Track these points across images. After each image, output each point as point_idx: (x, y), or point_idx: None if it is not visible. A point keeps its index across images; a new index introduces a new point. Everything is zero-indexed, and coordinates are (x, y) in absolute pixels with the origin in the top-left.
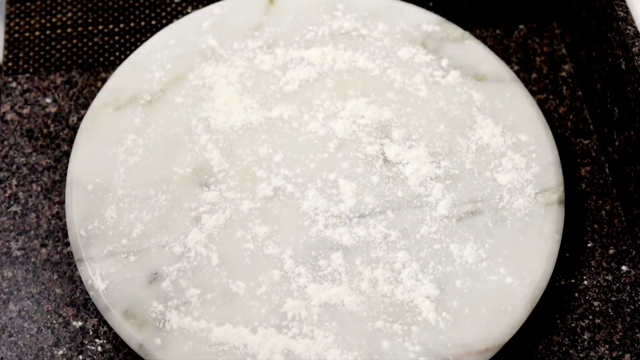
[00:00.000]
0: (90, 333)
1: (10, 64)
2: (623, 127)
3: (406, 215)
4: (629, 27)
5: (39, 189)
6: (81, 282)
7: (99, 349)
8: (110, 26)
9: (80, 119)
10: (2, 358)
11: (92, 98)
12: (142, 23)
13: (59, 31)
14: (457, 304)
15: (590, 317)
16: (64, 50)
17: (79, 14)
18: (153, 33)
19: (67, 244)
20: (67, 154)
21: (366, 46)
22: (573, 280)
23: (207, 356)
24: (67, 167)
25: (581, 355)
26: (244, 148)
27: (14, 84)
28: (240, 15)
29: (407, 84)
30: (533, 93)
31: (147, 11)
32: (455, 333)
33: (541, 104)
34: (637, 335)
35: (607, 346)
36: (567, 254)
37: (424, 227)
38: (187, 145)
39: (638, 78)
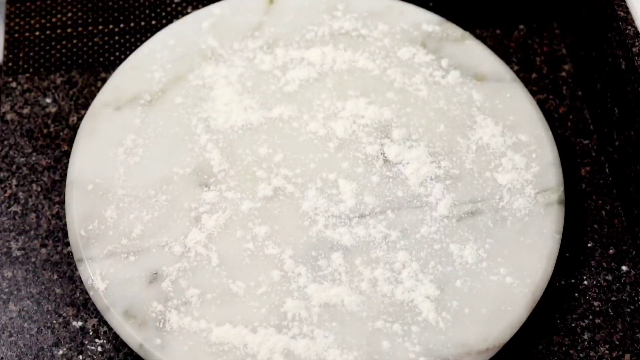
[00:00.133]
0: (90, 333)
1: (10, 64)
2: (623, 127)
3: (406, 215)
4: (629, 27)
5: (39, 189)
6: (81, 282)
7: (99, 349)
8: (110, 26)
9: (80, 119)
10: (2, 358)
11: (92, 98)
12: (142, 23)
13: (59, 31)
14: (457, 304)
15: (590, 317)
16: (64, 50)
17: (79, 14)
18: (153, 33)
19: (67, 244)
20: (67, 154)
21: (366, 46)
22: (573, 280)
23: (207, 356)
24: (67, 167)
25: (581, 355)
26: (244, 148)
27: (14, 84)
28: (240, 15)
29: (407, 84)
30: (533, 93)
31: (147, 11)
32: (455, 333)
33: (541, 104)
34: (637, 335)
35: (607, 346)
36: (567, 254)
37: (424, 227)
38: (187, 145)
39: (638, 78)
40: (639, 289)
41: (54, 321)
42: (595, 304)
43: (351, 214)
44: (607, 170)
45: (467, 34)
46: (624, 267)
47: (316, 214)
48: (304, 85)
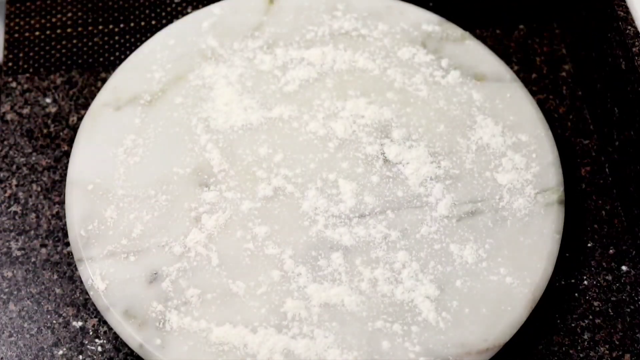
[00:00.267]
0: (90, 333)
1: (10, 64)
2: (623, 127)
3: (406, 215)
4: (629, 27)
5: (39, 189)
6: (81, 282)
7: (99, 349)
8: (110, 26)
9: (80, 119)
10: (2, 358)
11: (92, 98)
12: (142, 23)
13: (59, 31)
14: (457, 304)
15: (590, 317)
16: (64, 50)
17: (79, 14)
18: (153, 33)
19: (67, 244)
20: (67, 154)
21: (366, 46)
22: (573, 280)
23: (207, 356)
24: (67, 167)
25: (581, 355)
26: (244, 148)
27: (14, 84)
28: (240, 15)
29: (407, 84)
30: (533, 93)
31: (147, 11)
32: (455, 333)
33: (541, 104)
34: (637, 335)
35: (607, 346)
36: (567, 254)
37: (424, 227)
38: (187, 145)
39: (638, 78)
40: (639, 289)
41: (54, 321)
42: (595, 304)
43: (351, 214)
44: (607, 170)
45: (467, 34)
46: (624, 267)
47: (316, 214)
48: (304, 85)
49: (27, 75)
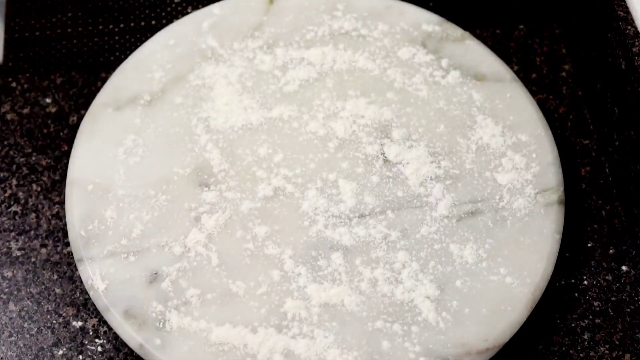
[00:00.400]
0: (90, 333)
1: (10, 64)
2: (623, 127)
3: (406, 215)
4: (629, 27)
5: (39, 189)
6: (81, 282)
7: (99, 349)
8: (110, 26)
9: (80, 119)
10: (2, 358)
11: (92, 98)
12: (142, 23)
13: (59, 31)
14: (457, 304)
15: (590, 317)
16: (64, 50)
17: (79, 14)
18: (153, 33)
19: (67, 244)
20: (67, 154)
21: (366, 46)
22: (573, 280)
23: (207, 356)
24: (67, 167)
25: (581, 355)
26: (244, 148)
27: (14, 84)
28: (240, 15)
29: (407, 84)
30: (533, 93)
31: (147, 11)
32: (455, 333)
33: (541, 104)
34: (637, 335)
35: (607, 346)
36: (567, 254)
37: (424, 227)
38: (187, 145)
39: (638, 78)
40: (639, 289)
41: (54, 321)
42: (595, 304)
43: (351, 214)
44: (607, 170)
45: (467, 34)
46: (624, 267)
47: (316, 214)
48: (304, 85)
49: (27, 75)
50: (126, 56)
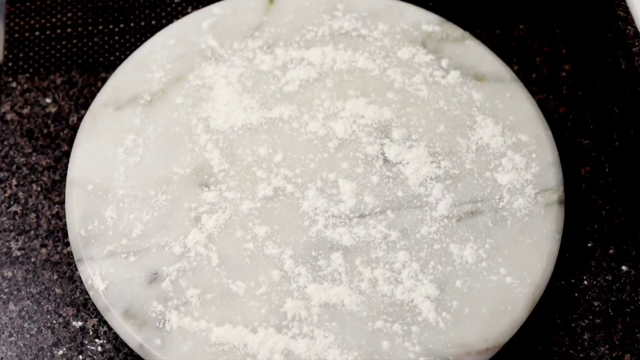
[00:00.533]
0: (90, 333)
1: (10, 64)
2: (623, 127)
3: (406, 215)
4: (629, 27)
5: (39, 189)
6: (81, 282)
7: (99, 349)
8: (110, 26)
9: (80, 119)
10: (2, 358)
11: (92, 98)
12: (142, 23)
13: (59, 31)
14: (457, 304)
15: (590, 317)
16: (64, 50)
17: (79, 14)
18: (153, 33)
19: (67, 244)
20: (67, 154)
21: (366, 46)
22: (573, 280)
23: (207, 356)
24: (67, 167)
25: (581, 355)
26: (244, 148)
27: (14, 84)
28: (240, 15)
29: (407, 84)
30: (533, 93)
31: (147, 11)
32: (455, 333)
33: (541, 104)
34: (637, 335)
35: (607, 346)
36: (567, 254)
37: (424, 227)
38: (187, 145)
39: (638, 78)
40: (639, 289)
41: (54, 321)
42: (595, 304)
43: (351, 214)
44: (607, 170)
45: (467, 34)
46: (624, 267)
47: (316, 214)
48: (304, 85)
49: (27, 75)
50: (126, 56)
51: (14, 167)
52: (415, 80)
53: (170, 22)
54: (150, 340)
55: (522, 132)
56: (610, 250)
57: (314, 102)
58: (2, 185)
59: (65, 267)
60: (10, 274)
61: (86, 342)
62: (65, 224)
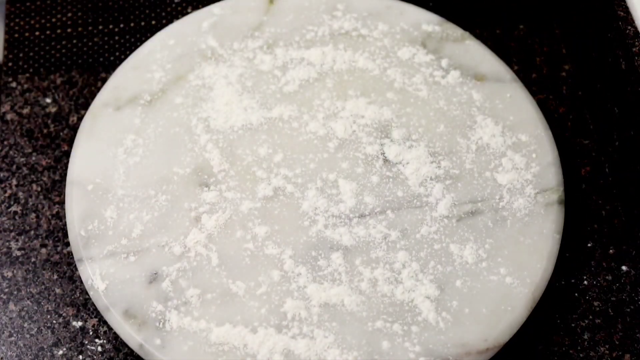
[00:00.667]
0: (90, 333)
1: (10, 64)
2: (623, 127)
3: (406, 215)
4: (629, 27)
5: (39, 189)
6: (81, 282)
7: (99, 349)
8: (110, 26)
9: (80, 119)
10: (2, 358)
11: (92, 98)
12: (142, 23)
13: (59, 31)
14: (457, 304)
15: (590, 317)
16: (64, 50)
17: (79, 14)
18: (153, 33)
19: (67, 244)
20: (67, 154)
21: (366, 46)
22: (573, 280)
23: (207, 356)
24: (67, 167)
25: (581, 355)
26: (244, 148)
27: (14, 84)
28: (240, 15)
29: (407, 84)
30: (533, 93)
31: (147, 11)
32: (455, 333)
33: (541, 104)
34: (637, 335)
35: (607, 346)
36: (567, 254)
37: (424, 227)
38: (187, 145)
39: (638, 78)
40: (639, 289)
41: (54, 321)
42: (595, 304)
43: (351, 214)
44: (607, 170)
45: (467, 34)
46: (624, 267)
47: (316, 214)
48: (304, 85)
49: (27, 75)
50: (126, 56)
51: (14, 167)
52: (415, 80)
53: (170, 22)
54: (150, 340)
55: (522, 132)
56: (610, 250)
57: (314, 102)
58: (2, 185)
59: (65, 267)
60: (10, 274)
61: (86, 342)
62: (65, 224)
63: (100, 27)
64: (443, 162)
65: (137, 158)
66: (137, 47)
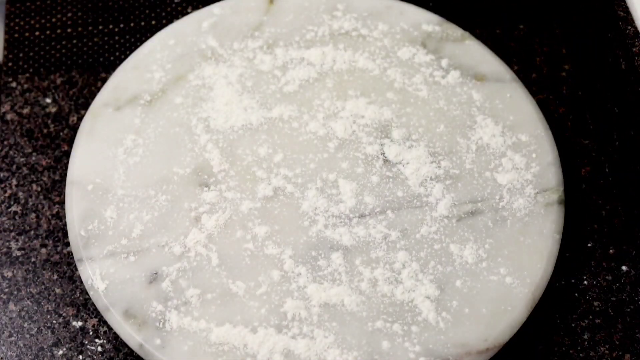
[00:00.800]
0: (90, 333)
1: (10, 64)
2: (623, 127)
3: (406, 215)
4: (629, 27)
5: (39, 189)
6: (81, 282)
7: (99, 349)
8: (110, 26)
9: (80, 119)
10: (2, 358)
11: (92, 98)
12: (142, 23)
13: (59, 31)
14: (457, 304)
15: (590, 317)
16: (64, 50)
17: (79, 14)
18: (153, 33)
19: (67, 244)
20: (67, 154)
21: (366, 46)
22: (573, 280)
23: (207, 356)
24: (67, 167)
25: (581, 355)
26: (244, 148)
27: (14, 84)
28: (240, 15)
29: (407, 84)
30: (533, 93)
31: (147, 11)
32: (455, 333)
33: (541, 104)
34: (637, 335)
35: (607, 346)
36: (567, 254)
37: (424, 227)
38: (187, 145)
39: (638, 78)
40: (639, 289)
41: (54, 321)
42: (595, 304)
43: (351, 214)
44: (607, 170)
45: (467, 34)
46: (624, 267)
47: (316, 214)
48: (304, 85)
49: (27, 75)
50: (126, 56)
51: (14, 167)
52: (415, 80)
53: (170, 22)
54: (150, 340)
55: (522, 132)
56: (610, 250)
57: (314, 102)
58: (2, 185)
59: (65, 267)
60: (10, 274)
61: (86, 342)
62: (65, 224)
63: (100, 27)
64: (443, 162)
65: (137, 158)
66: (137, 47)
